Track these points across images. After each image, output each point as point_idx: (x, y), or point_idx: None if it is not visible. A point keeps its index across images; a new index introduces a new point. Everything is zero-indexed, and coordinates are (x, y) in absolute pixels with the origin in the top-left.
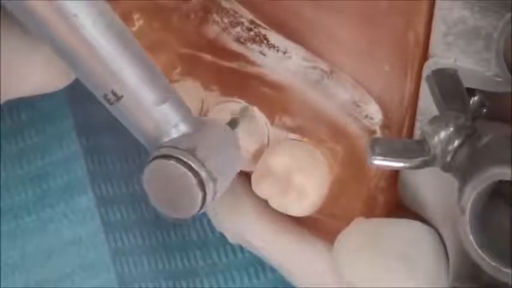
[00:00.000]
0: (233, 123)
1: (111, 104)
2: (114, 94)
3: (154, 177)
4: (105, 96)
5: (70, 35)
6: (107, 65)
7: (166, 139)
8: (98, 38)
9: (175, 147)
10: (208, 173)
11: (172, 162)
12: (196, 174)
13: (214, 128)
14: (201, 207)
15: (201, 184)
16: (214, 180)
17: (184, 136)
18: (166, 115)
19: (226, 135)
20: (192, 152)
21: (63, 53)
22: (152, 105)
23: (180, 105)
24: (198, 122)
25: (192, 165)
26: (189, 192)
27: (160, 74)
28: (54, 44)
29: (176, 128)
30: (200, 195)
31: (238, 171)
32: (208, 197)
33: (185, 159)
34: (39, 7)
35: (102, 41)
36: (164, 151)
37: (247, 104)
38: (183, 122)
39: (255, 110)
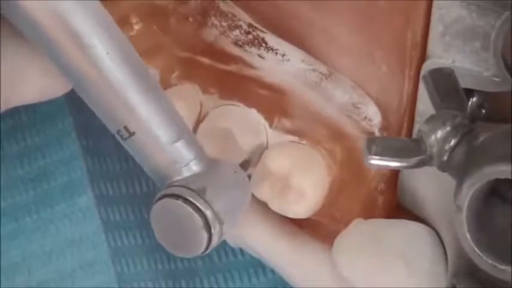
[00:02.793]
0: (245, 164)
1: (124, 139)
2: (127, 130)
3: (161, 215)
4: (118, 131)
5: (86, 67)
6: (121, 102)
7: (177, 177)
8: (113, 74)
9: (185, 187)
10: (216, 215)
11: (180, 202)
12: (202, 215)
13: (225, 169)
14: (207, 249)
15: (207, 226)
16: (220, 222)
17: (194, 176)
18: (178, 153)
19: (236, 177)
20: (200, 193)
21: (78, 85)
22: (165, 143)
23: (193, 143)
24: (209, 161)
25: (200, 206)
26: (195, 233)
27: (175, 111)
28: (69, 75)
29: (187, 167)
30: (206, 237)
31: (246, 213)
32: (214, 239)
33: (193, 200)
34: (57, 37)
35: (117, 77)
36: (173, 190)
37: (262, 143)
38: (195, 161)
39: (254, 112)
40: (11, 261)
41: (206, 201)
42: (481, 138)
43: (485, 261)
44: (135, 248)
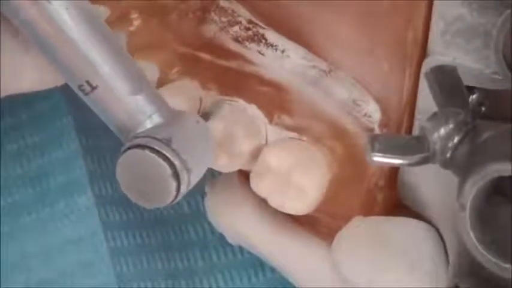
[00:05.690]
0: (205, 116)
1: (86, 94)
2: (89, 84)
3: (128, 167)
4: (80, 86)
5: (45, 25)
6: (82, 56)
7: (140, 130)
8: (73, 28)
9: (150, 137)
10: (184, 163)
11: (147, 152)
12: (171, 164)
13: (188, 120)
14: (175, 198)
15: (176, 175)
16: (188, 170)
17: (158, 127)
18: (140, 106)
19: (199, 127)
20: (167, 142)
21: (40, 44)
22: (126, 95)
23: (155, 97)
24: (172, 113)
25: (168, 155)
26: (164, 183)
27: (136, 65)
28: (30, 34)
29: (150, 119)
30: (174, 185)
31: (211, 163)
32: (183, 188)
33: (160, 150)
34: None
35: (77, 32)
36: (139, 141)
37: (219, 98)
38: (157, 113)
39: (254, 108)
40: (10, 261)
41: (173, 150)
42: (484, 137)
43: (488, 260)
44: (134, 247)
